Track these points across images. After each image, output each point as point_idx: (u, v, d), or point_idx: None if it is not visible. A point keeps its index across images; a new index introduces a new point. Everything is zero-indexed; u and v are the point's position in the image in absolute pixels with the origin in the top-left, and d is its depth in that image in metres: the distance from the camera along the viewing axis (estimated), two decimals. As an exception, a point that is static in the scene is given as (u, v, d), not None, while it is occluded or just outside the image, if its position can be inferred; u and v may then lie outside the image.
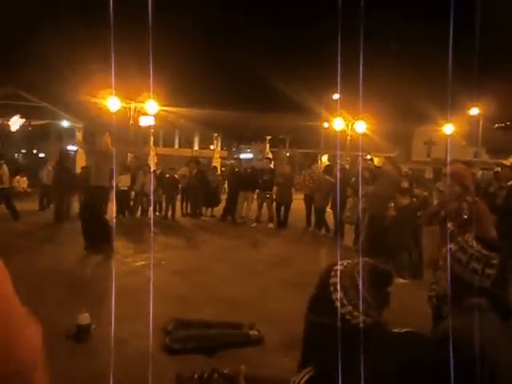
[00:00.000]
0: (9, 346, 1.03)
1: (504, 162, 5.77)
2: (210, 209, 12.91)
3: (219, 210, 12.73)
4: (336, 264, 1.47)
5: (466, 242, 1.83)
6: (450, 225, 3.46)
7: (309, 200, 11.05)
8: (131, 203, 12.30)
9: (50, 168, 12.78)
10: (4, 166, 10.66)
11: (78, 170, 13.62)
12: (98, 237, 7.61)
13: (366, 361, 1.24)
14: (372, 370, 1.25)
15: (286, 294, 5.75)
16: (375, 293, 1.38)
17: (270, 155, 22.10)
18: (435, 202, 8.23)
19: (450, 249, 1.86)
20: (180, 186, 12.76)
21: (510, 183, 5.21)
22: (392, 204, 7.31)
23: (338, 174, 9.72)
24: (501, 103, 24.35)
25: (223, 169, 18.03)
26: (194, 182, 12.46)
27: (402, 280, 6.51)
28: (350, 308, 1.36)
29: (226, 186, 14.18)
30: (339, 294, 1.38)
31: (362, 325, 1.35)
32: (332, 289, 1.40)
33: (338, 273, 1.43)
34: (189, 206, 12.86)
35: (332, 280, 1.42)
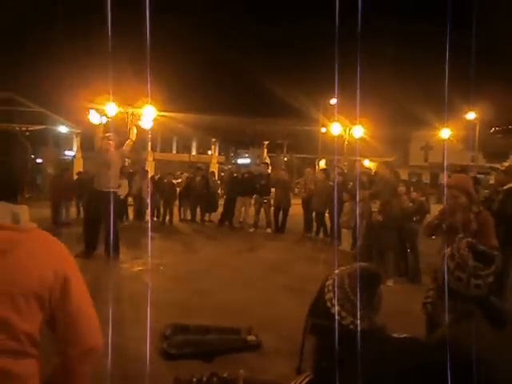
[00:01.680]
0: (96, 325, 1.36)
1: (499, 166, 5.82)
2: (207, 214, 12.88)
3: (216, 215, 12.74)
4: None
5: (457, 249, 1.85)
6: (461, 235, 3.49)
7: (306, 204, 11.08)
8: (128, 208, 12.30)
9: (49, 171, 12.82)
10: None
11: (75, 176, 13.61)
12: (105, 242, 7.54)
13: (366, 365, 1.25)
14: (371, 374, 1.26)
15: (284, 299, 5.75)
16: (361, 294, 1.39)
17: (268, 160, 22.12)
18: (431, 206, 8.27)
19: (444, 254, 1.88)
20: (178, 190, 12.77)
21: (505, 187, 5.23)
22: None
23: (336, 178, 9.75)
24: (497, 107, 24.46)
25: (222, 174, 18.02)
26: (198, 188, 12.46)
27: (388, 283, 6.36)
28: (338, 308, 1.38)
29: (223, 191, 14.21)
30: (330, 295, 1.41)
31: (351, 326, 1.36)
32: (326, 290, 1.43)
33: (335, 275, 1.46)
34: (188, 212, 12.84)
35: (328, 282, 1.45)
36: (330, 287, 1.43)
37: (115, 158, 7.60)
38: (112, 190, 7.42)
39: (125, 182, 11.51)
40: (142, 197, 11.95)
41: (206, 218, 12.71)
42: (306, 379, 1.42)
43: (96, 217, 7.52)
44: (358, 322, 1.37)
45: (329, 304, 1.40)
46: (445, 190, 3.72)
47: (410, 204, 7.31)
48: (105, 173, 7.43)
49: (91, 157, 10.22)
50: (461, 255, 1.80)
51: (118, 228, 7.99)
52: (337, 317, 1.38)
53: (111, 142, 7.59)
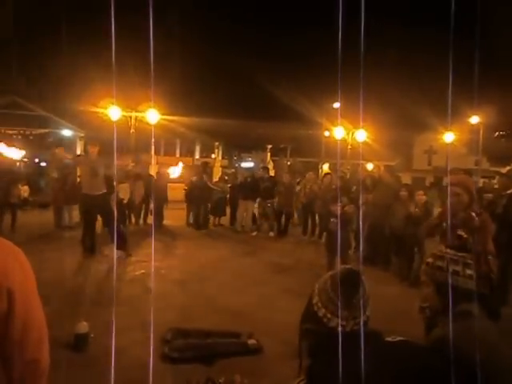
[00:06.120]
0: (40, 339, 1.29)
1: (501, 170, 5.80)
2: (212, 217, 12.78)
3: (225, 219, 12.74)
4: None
5: (440, 251, 1.86)
6: (462, 233, 3.46)
7: (306, 208, 11.10)
8: (131, 212, 12.28)
9: (53, 175, 12.84)
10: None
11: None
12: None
13: (360, 370, 1.24)
14: (366, 379, 1.25)
15: (286, 303, 5.72)
16: (343, 294, 1.38)
17: (271, 164, 22.10)
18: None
19: (429, 262, 1.88)
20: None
21: (509, 192, 5.19)
22: None
23: (338, 181, 9.74)
24: (501, 111, 24.40)
25: (226, 177, 18.04)
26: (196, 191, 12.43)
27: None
28: (323, 311, 1.38)
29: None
30: (316, 299, 1.41)
31: (339, 328, 1.35)
32: (313, 294, 1.43)
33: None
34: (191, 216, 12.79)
35: (316, 286, 1.45)
36: (316, 291, 1.44)
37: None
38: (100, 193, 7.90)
39: (126, 186, 11.49)
40: (145, 201, 11.98)
41: (211, 221, 12.61)
42: (301, 383, 1.41)
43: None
44: (344, 322, 1.36)
45: (315, 308, 1.41)
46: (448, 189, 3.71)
47: (416, 209, 7.12)
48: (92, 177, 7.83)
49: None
50: (446, 252, 1.82)
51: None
52: (324, 319, 1.38)
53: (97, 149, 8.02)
